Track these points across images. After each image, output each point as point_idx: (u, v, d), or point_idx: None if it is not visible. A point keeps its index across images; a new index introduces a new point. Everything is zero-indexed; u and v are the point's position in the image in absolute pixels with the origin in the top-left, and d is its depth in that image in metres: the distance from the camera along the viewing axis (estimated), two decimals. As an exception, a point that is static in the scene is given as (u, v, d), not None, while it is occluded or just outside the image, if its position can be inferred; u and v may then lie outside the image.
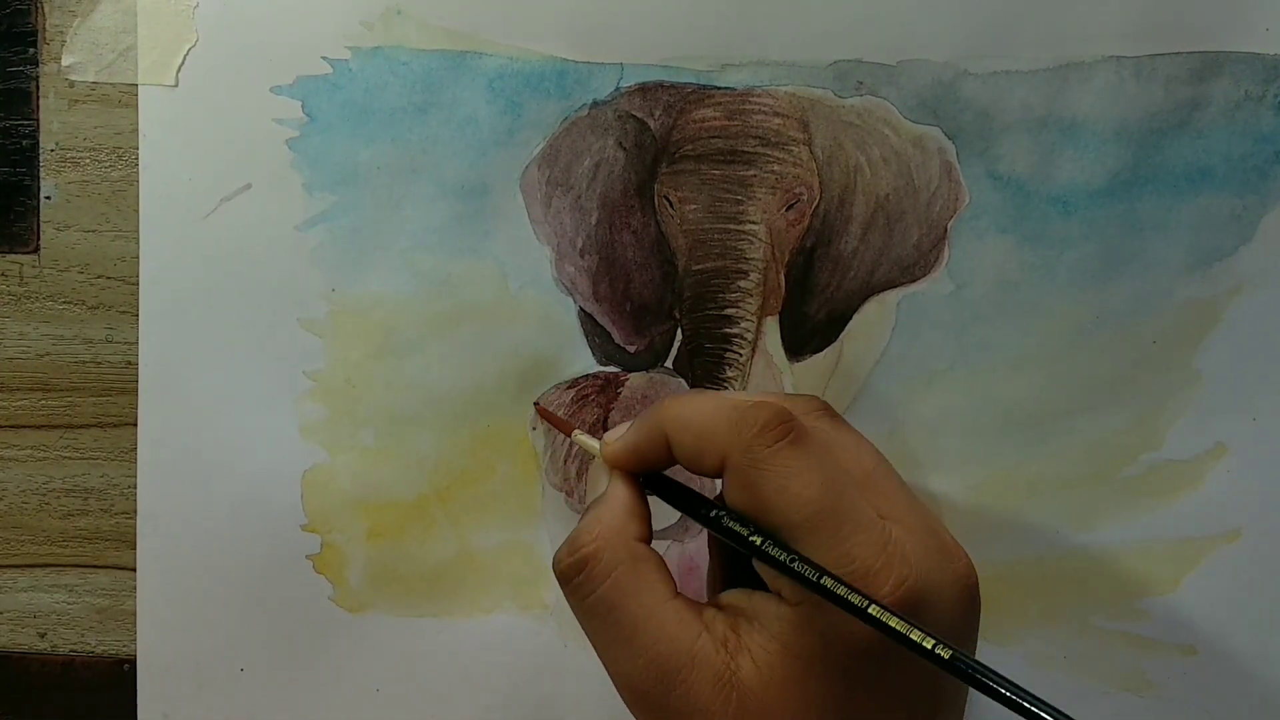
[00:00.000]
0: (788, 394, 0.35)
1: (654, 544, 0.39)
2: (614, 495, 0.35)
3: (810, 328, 0.43)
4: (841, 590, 0.29)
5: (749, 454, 0.31)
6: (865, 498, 0.31)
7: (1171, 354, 0.42)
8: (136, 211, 0.43)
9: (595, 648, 0.34)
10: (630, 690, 0.33)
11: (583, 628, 0.34)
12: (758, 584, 0.33)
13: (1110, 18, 0.41)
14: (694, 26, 0.42)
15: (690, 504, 0.34)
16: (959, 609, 0.31)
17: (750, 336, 0.43)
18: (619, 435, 0.36)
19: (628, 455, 0.35)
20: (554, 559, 0.34)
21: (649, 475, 0.36)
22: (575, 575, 0.34)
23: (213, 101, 0.43)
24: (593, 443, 0.38)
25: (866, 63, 0.42)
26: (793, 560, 0.30)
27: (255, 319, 0.44)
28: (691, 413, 0.33)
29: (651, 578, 0.33)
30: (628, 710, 0.33)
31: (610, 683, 0.33)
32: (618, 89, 0.42)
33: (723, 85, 0.42)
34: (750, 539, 0.31)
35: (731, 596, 0.33)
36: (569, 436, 0.40)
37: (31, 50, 0.43)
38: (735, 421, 0.32)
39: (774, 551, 0.31)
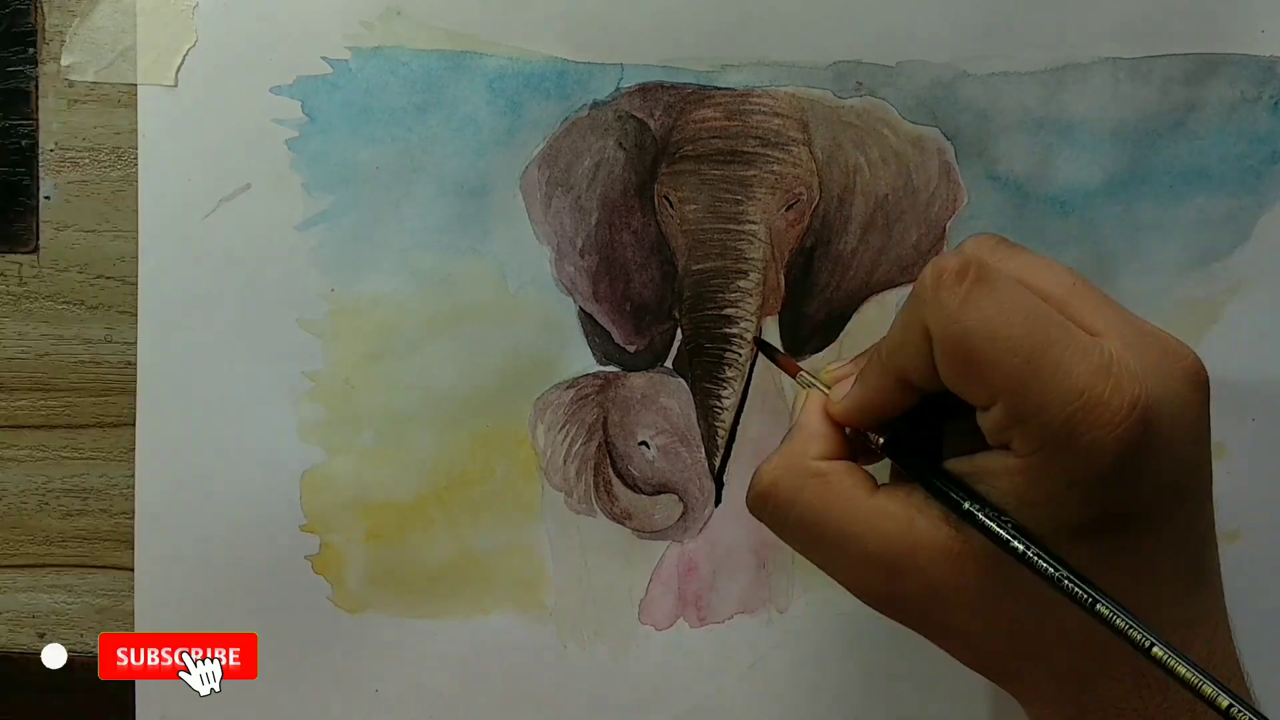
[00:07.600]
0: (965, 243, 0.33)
1: (653, 544, 0.39)
2: (795, 426, 0.35)
3: (810, 328, 0.44)
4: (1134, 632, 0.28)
5: (943, 312, 0.29)
6: (1074, 318, 0.30)
7: (1170, 354, 0.42)
8: (136, 211, 0.43)
9: (819, 568, 0.33)
10: (866, 595, 0.33)
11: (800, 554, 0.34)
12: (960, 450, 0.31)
13: (1107, 19, 0.41)
14: (694, 27, 0.42)
15: (936, 486, 0.31)
16: (1194, 411, 0.30)
17: (750, 336, 0.43)
18: (844, 391, 0.34)
19: (854, 412, 0.34)
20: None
21: (890, 438, 0.34)
22: (760, 511, 0.34)
23: (212, 101, 0.43)
24: (822, 389, 0.36)
25: (866, 63, 0.42)
26: (1064, 578, 0.29)
27: (255, 319, 0.43)
28: (894, 328, 0.32)
29: (842, 486, 0.32)
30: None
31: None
32: (618, 89, 0.42)
33: (722, 85, 0.42)
34: (1012, 544, 0.29)
35: (951, 465, 0.31)
36: (794, 378, 0.39)
37: (31, 50, 0.43)
38: (921, 292, 0.30)
39: (1043, 563, 0.29)
